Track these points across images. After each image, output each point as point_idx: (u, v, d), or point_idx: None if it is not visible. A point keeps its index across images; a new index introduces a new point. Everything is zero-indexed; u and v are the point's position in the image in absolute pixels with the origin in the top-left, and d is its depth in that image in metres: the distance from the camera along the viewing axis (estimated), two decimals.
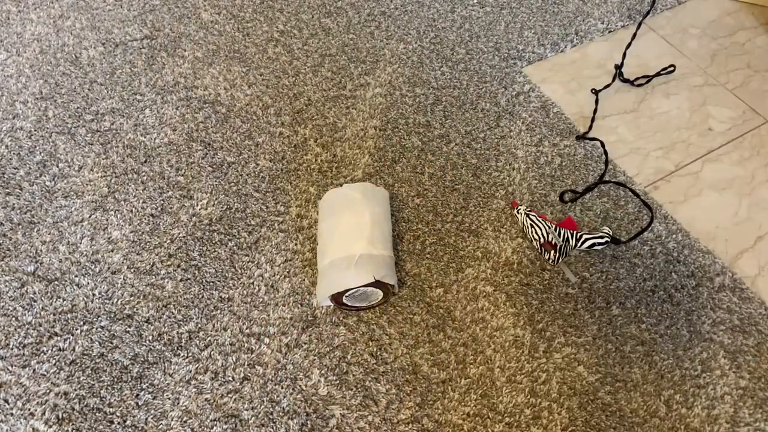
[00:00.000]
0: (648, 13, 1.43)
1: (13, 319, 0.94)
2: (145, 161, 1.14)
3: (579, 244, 1.01)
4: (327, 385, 0.89)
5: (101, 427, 0.85)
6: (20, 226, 1.04)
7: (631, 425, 0.88)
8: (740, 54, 1.39)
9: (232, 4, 1.45)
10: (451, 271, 1.02)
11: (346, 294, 0.90)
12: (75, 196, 1.09)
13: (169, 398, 0.87)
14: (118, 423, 0.85)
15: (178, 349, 0.92)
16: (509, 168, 1.16)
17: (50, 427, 0.84)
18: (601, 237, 1.02)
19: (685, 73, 1.34)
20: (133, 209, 1.07)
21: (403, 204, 1.10)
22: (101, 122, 1.20)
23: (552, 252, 1.00)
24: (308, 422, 0.86)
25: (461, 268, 1.02)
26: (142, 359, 0.91)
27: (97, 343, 0.92)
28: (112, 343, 0.92)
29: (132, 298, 0.97)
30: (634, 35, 1.37)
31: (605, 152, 1.16)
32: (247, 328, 0.94)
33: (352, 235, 0.92)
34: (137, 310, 0.96)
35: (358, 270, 0.88)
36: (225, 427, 0.85)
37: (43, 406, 0.86)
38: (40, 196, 1.08)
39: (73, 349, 0.91)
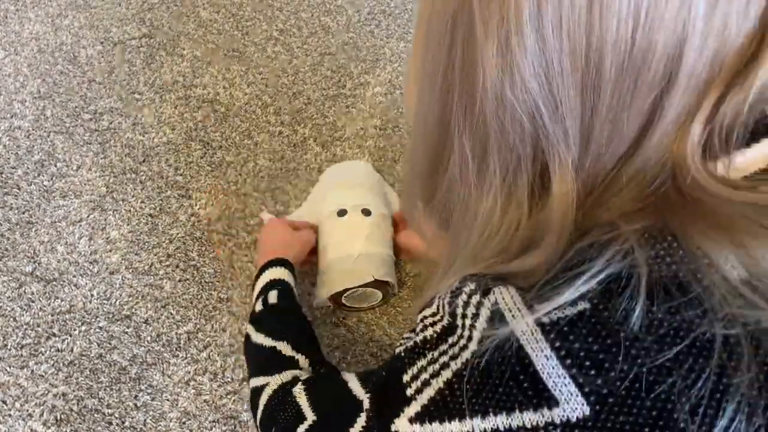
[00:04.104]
0: None
1: (11, 319, 0.94)
2: (144, 161, 1.14)
3: None
4: None
5: (100, 428, 0.84)
6: (18, 226, 1.04)
7: None
8: None
9: (231, 3, 1.44)
10: None
11: (345, 294, 0.89)
12: (73, 196, 1.08)
13: (167, 399, 0.87)
14: (117, 424, 0.85)
15: (176, 350, 0.91)
16: None
17: (48, 428, 0.84)
18: None
19: None
20: (132, 209, 1.07)
21: None
22: (99, 121, 1.19)
23: None
24: None
25: None
26: (141, 360, 0.90)
27: (95, 343, 0.92)
28: (110, 343, 0.92)
29: (130, 299, 0.96)
30: None
31: None
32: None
33: (351, 234, 0.92)
34: (136, 310, 0.95)
35: (357, 270, 0.88)
36: (224, 428, 0.85)
37: (42, 407, 0.86)
38: (38, 195, 1.08)
39: (72, 350, 0.91)
